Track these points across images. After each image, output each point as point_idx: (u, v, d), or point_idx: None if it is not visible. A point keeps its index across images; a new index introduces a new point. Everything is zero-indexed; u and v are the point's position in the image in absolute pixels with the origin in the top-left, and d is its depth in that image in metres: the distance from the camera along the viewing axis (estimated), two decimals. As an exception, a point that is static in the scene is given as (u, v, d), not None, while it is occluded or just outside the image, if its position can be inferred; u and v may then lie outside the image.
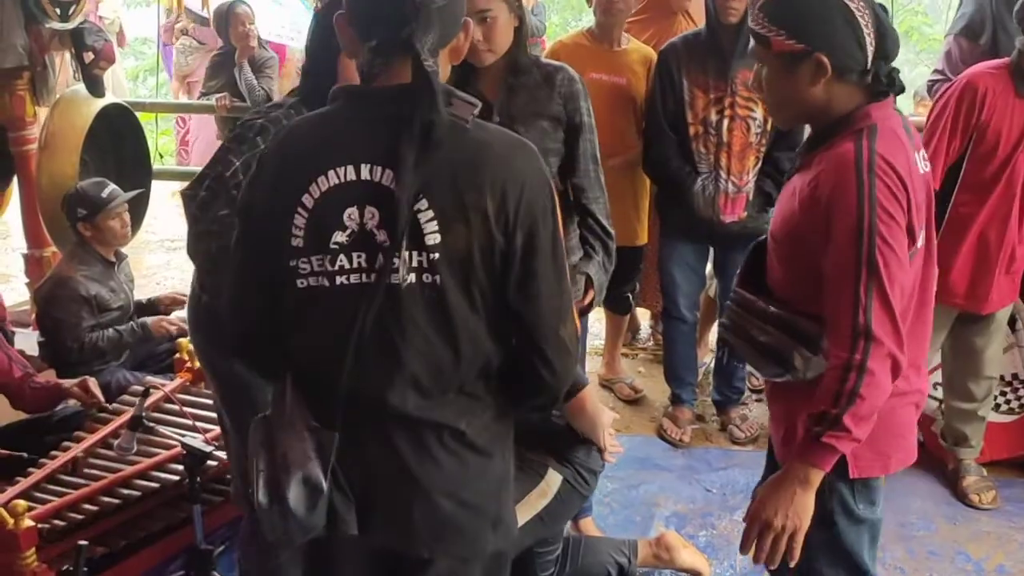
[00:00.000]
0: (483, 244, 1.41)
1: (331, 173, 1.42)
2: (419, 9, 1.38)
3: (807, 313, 1.75)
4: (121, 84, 7.50)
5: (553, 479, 2.21)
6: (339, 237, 1.43)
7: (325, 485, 1.46)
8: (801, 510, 1.70)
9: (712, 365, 3.87)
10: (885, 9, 1.76)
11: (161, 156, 5.01)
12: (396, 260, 1.40)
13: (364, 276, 1.43)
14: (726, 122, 3.18)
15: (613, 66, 3.37)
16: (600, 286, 2.50)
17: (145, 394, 2.63)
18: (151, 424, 2.50)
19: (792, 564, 1.74)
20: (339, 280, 1.44)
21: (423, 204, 1.40)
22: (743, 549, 1.77)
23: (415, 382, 1.47)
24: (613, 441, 2.27)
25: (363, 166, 1.42)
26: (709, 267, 3.73)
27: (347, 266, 1.43)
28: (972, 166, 2.87)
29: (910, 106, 5.64)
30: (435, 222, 1.40)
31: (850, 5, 1.68)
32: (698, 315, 3.65)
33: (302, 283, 1.46)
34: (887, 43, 1.71)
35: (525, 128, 2.42)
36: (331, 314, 1.45)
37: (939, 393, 3.39)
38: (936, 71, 3.62)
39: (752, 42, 1.78)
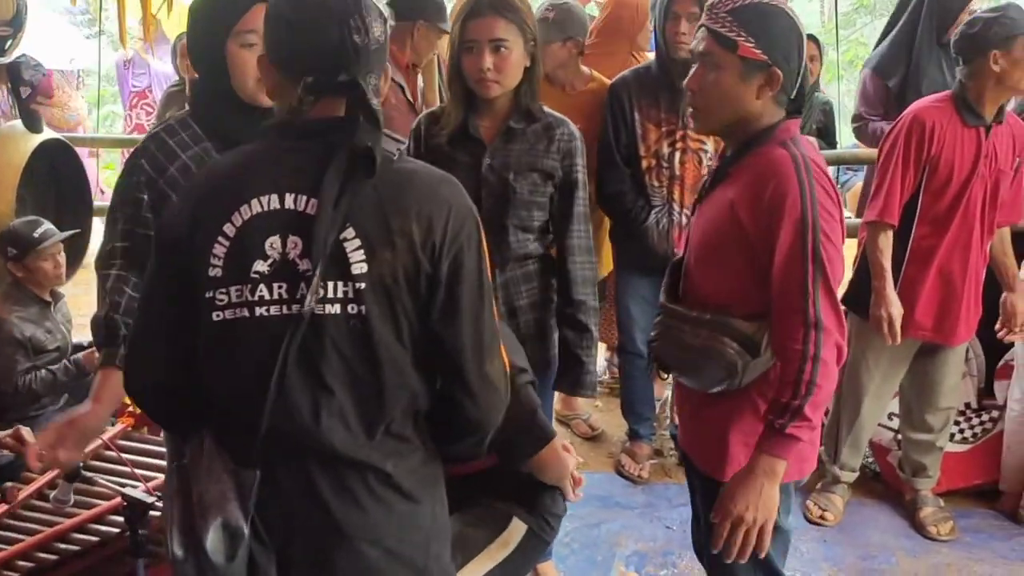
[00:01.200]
0: (409, 271, 1.41)
1: (254, 202, 1.40)
2: (359, 52, 1.40)
3: (742, 314, 1.84)
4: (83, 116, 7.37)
5: (517, 529, 2.15)
6: (260, 267, 1.40)
7: (246, 529, 1.40)
8: (769, 502, 1.80)
9: (669, 398, 3.86)
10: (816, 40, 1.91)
11: (103, 192, 4.91)
12: (321, 290, 1.38)
13: (285, 307, 1.40)
14: (678, 155, 3.20)
15: (567, 111, 3.31)
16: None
17: None
18: (89, 474, 2.41)
19: (761, 555, 1.84)
20: (259, 311, 1.40)
21: (349, 233, 1.39)
22: (714, 546, 1.84)
23: (341, 417, 1.43)
24: (578, 484, 2.23)
25: (287, 195, 1.40)
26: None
27: (267, 297, 1.40)
28: (928, 199, 2.91)
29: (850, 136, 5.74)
30: (361, 251, 1.40)
31: (802, 35, 1.86)
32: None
33: (218, 315, 1.41)
34: (805, 75, 1.89)
35: (516, 177, 2.41)
36: (251, 347, 1.41)
37: (894, 423, 3.42)
38: (855, 116, 3.68)
39: (704, 42, 1.85)
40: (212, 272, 1.41)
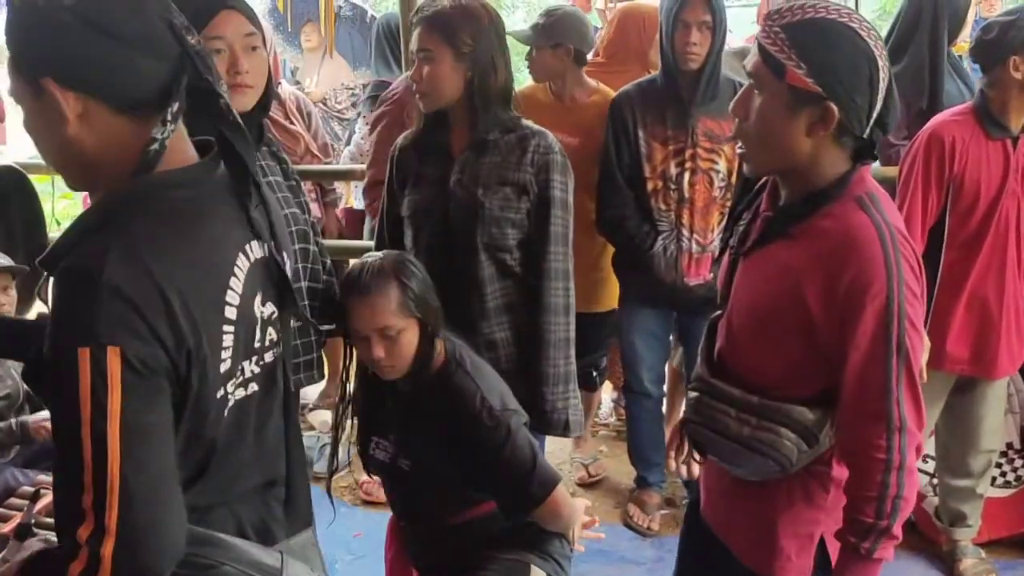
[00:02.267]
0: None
1: (236, 270, 1.33)
2: (204, 57, 1.29)
3: (795, 396, 1.71)
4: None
5: None
6: (257, 333, 1.39)
7: None
8: None
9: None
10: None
11: (59, 222, 4.90)
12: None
13: (261, 359, 1.41)
14: (687, 176, 3.18)
15: (565, 123, 3.36)
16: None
17: (35, 497, 2.49)
18: (42, 532, 2.37)
19: None
20: (257, 377, 1.41)
21: (284, 257, 1.44)
22: None
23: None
24: (589, 530, 2.27)
25: (247, 246, 1.37)
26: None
27: (259, 360, 1.41)
28: (955, 221, 2.89)
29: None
30: (291, 271, 1.47)
31: (879, 62, 1.62)
32: (664, 389, 3.62)
33: (227, 409, 1.34)
34: (891, 114, 1.66)
35: (486, 192, 2.42)
36: (251, 416, 1.41)
37: (929, 467, 3.38)
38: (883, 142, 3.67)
39: (754, 60, 1.67)
40: (224, 367, 1.30)
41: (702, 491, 2.04)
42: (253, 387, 1.39)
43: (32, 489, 2.62)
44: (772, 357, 1.74)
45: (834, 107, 1.60)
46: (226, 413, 1.33)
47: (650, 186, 3.22)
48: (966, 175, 2.85)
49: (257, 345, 1.38)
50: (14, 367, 3.41)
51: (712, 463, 1.95)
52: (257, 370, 1.39)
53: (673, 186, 3.20)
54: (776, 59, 1.61)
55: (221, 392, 1.31)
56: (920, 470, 3.35)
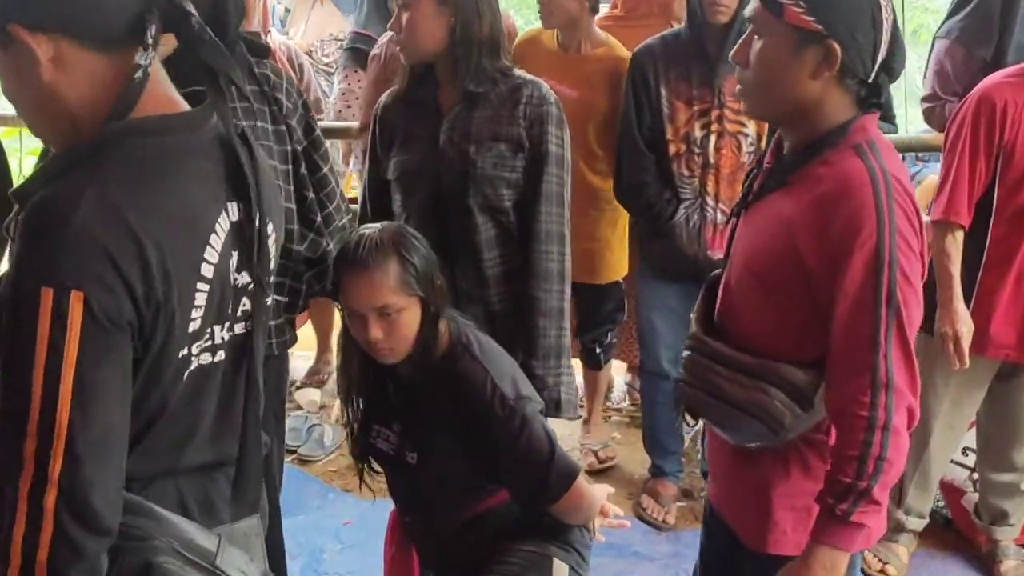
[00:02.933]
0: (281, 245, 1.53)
1: (217, 227, 1.31)
2: None
3: (791, 360, 1.73)
4: None
5: (559, 571, 2.15)
6: (232, 297, 1.37)
7: None
8: None
9: (701, 428, 3.76)
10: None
11: (24, 177, 4.82)
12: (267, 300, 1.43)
13: (229, 331, 1.39)
14: (713, 139, 3.10)
15: (567, 75, 3.31)
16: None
17: None
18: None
19: None
20: (220, 350, 1.38)
21: (269, 228, 1.43)
22: None
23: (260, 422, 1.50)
24: (614, 516, 2.23)
25: (229, 206, 1.34)
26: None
27: (229, 325, 1.39)
28: (1004, 193, 2.83)
29: (919, 118, 5.64)
30: (275, 243, 1.46)
31: (881, 2, 1.68)
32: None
33: (188, 372, 1.33)
34: (896, 58, 1.72)
35: (478, 150, 2.38)
36: (212, 389, 1.39)
37: (969, 460, 3.33)
38: (927, 96, 3.58)
39: (753, 4, 1.73)
40: (192, 327, 1.29)
41: (711, 473, 2.08)
42: (220, 355, 1.37)
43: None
44: (768, 316, 1.77)
45: (836, 45, 1.65)
46: (185, 376, 1.32)
47: (672, 149, 3.14)
48: (1017, 142, 2.78)
49: (230, 311, 1.36)
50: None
51: (715, 442, 1.98)
52: (227, 336, 1.37)
53: (698, 150, 3.12)
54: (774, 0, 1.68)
55: (184, 352, 1.30)
56: (958, 463, 3.34)
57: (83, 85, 1.24)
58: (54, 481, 1.15)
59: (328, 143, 2.55)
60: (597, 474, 3.79)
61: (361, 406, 2.27)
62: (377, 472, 2.33)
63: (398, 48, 2.43)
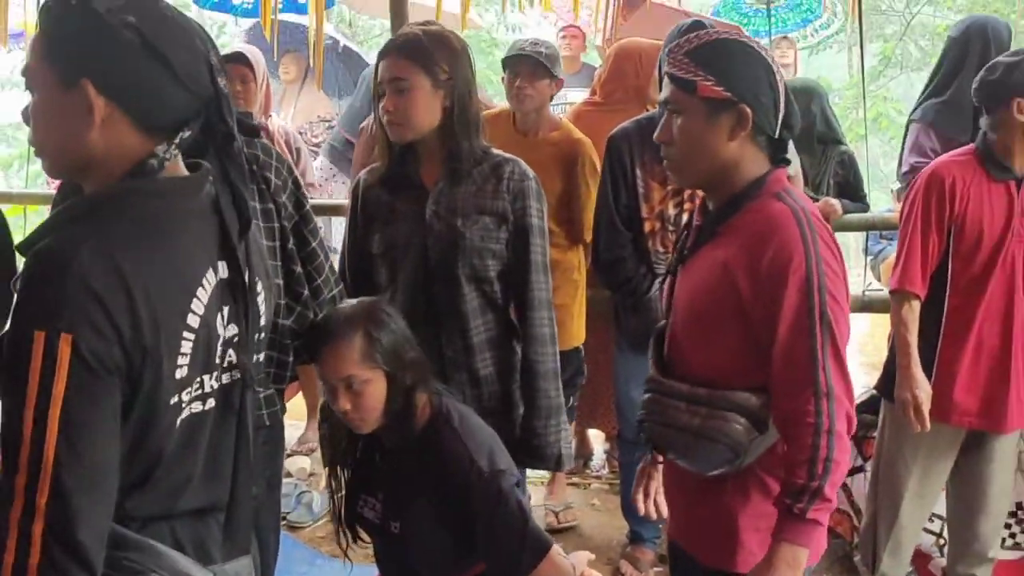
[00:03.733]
0: (274, 307, 1.60)
1: (204, 281, 1.37)
2: (225, 98, 1.38)
3: (741, 388, 1.86)
4: None
5: None
6: (218, 349, 1.41)
7: None
8: None
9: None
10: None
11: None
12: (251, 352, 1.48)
13: (221, 379, 1.44)
14: (686, 217, 3.14)
15: (524, 157, 3.37)
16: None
17: None
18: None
19: None
20: (209, 399, 1.42)
21: (258, 287, 1.50)
22: None
23: (251, 468, 1.54)
24: None
25: (218, 264, 1.41)
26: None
27: (218, 377, 1.43)
28: (958, 265, 2.87)
29: (888, 200, 5.76)
30: (263, 301, 1.52)
31: (772, 68, 1.90)
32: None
33: (180, 419, 1.37)
34: (792, 116, 1.91)
35: (465, 223, 2.41)
36: (205, 433, 1.43)
37: (936, 526, 3.33)
38: (906, 172, 3.66)
39: (666, 89, 1.91)
40: (179, 374, 1.34)
41: (668, 513, 2.18)
42: (211, 403, 1.42)
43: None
44: (715, 350, 1.91)
45: (746, 108, 1.84)
46: (178, 423, 1.36)
47: (647, 227, 3.21)
48: (968, 216, 2.83)
49: (217, 361, 1.41)
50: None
51: (674, 482, 2.10)
52: (216, 386, 1.42)
53: (671, 227, 3.18)
54: (685, 79, 1.87)
55: (175, 399, 1.34)
56: (927, 530, 3.34)
57: (111, 149, 1.33)
58: (41, 512, 1.20)
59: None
60: (557, 534, 3.77)
61: (348, 475, 2.29)
62: (364, 539, 2.34)
63: (389, 127, 2.44)
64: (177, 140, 1.35)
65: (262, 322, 1.52)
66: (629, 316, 3.35)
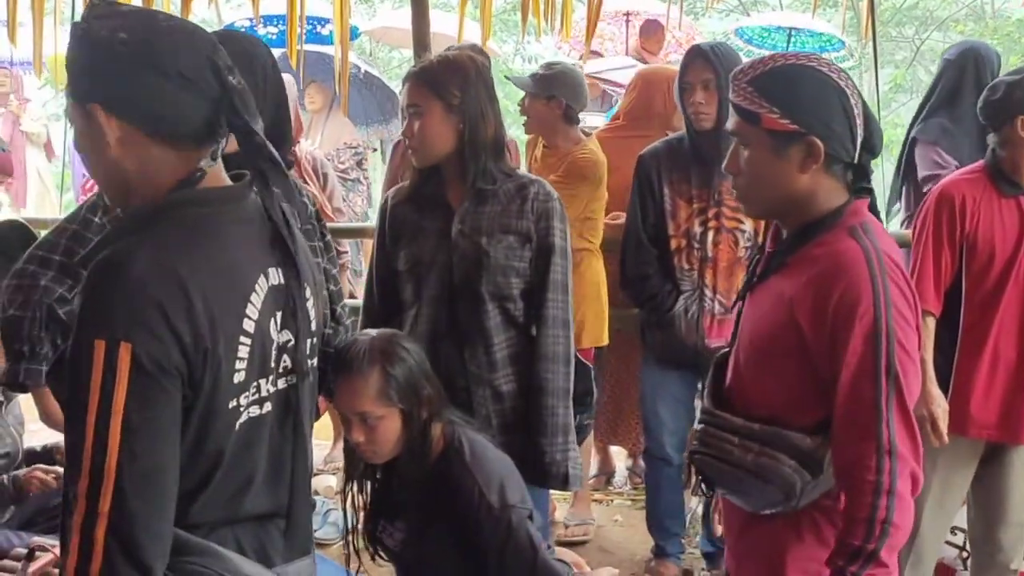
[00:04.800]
0: (324, 314, 1.60)
1: (257, 287, 1.39)
2: (244, 95, 1.38)
3: (797, 427, 1.76)
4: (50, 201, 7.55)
5: None
6: (273, 353, 1.42)
7: None
8: None
9: (699, 510, 3.75)
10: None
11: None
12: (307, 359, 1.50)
13: (275, 384, 1.44)
14: (711, 235, 3.18)
15: (546, 169, 3.48)
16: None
17: (30, 557, 2.48)
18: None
19: None
20: (267, 403, 1.44)
21: (308, 292, 1.50)
22: None
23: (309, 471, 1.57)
24: None
25: (270, 271, 1.43)
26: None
27: (274, 381, 1.44)
28: (972, 282, 2.87)
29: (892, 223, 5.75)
30: (313, 307, 1.52)
31: (847, 91, 1.76)
32: (684, 456, 3.55)
33: (240, 423, 1.39)
34: (874, 137, 1.79)
35: (490, 241, 2.44)
36: (263, 438, 1.44)
37: (958, 539, 3.30)
38: (926, 177, 3.66)
39: (732, 119, 1.81)
40: (237, 378, 1.35)
41: (726, 540, 2.09)
42: (268, 407, 1.43)
43: (25, 549, 2.57)
44: (773, 387, 1.81)
45: (816, 140, 1.72)
46: (237, 427, 1.37)
47: (673, 244, 3.23)
48: (979, 233, 2.82)
49: (272, 365, 1.42)
50: (14, 427, 3.37)
51: (729, 508, 1.99)
52: (272, 390, 1.43)
53: (697, 245, 3.20)
54: (749, 111, 1.75)
55: (233, 403, 1.35)
56: (949, 543, 3.31)
57: (138, 165, 1.35)
58: (104, 515, 1.22)
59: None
60: (578, 548, 3.71)
61: (368, 500, 2.30)
62: (383, 558, 2.35)
63: (410, 152, 2.50)
64: (219, 150, 1.37)
65: (313, 327, 1.53)
66: (655, 332, 3.35)
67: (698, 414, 1.99)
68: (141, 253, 1.28)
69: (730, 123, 1.83)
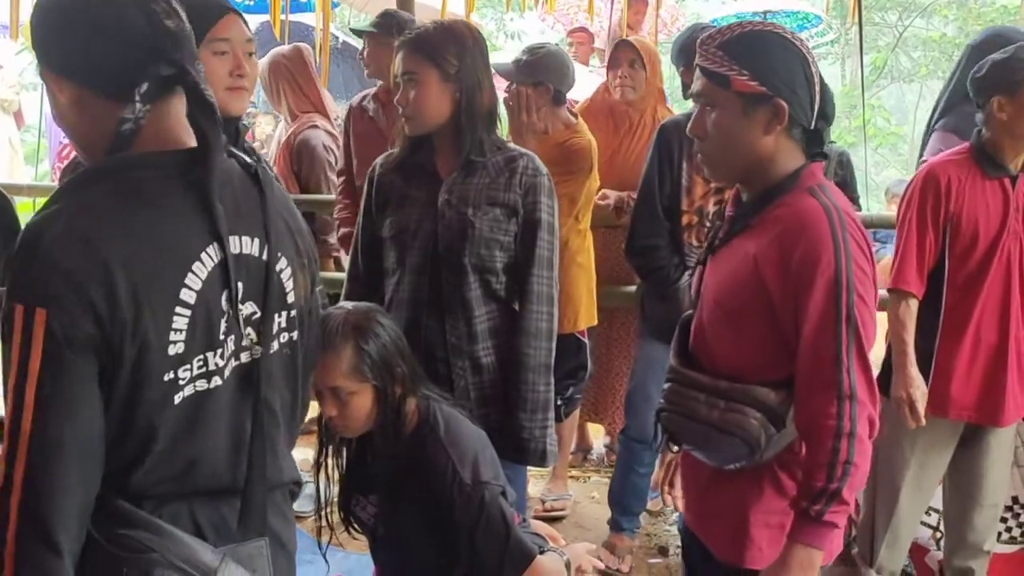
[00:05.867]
0: (309, 287, 1.54)
1: (204, 256, 1.34)
2: (178, 39, 1.35)
3: (761, 383, 1.83)
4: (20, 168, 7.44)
5: None
6: (222, 327, 1.37)
7: None
8: None
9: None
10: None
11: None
12: (274, 330, 1.45)
13: (236, 359, 1.40)
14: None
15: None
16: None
17: None
18: None
19: None
20: (215, 377, 1.38)
21: (283, 263, 1.46)
22: None
23: (275, 449, 1.50)
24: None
25: (233, 239, 1.38)
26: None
27: (225, 355, 1.39)
28: (954, 262, 2.86)
29: (882, 204, 5.75)
30: (291, 279, 1.48)
31: (808, 58, 1.84)
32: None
33: (180, 397, 1.34)
34: (828, 105, 1.87)
35: (475, 212, 2.41)
36: (217, 413, 1.40)
37: (932, 519, 3.32)
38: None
39: (698, 82, 1.85)
40: (173, 350, 1.31)
41: (684, 499, 2.15)
42: (217, 381, 1.38)
43: None
44: (739, 344, 1.88)
45: (782, 102, 1.79)
46: (177, 400, 1.33)
47: (685, 220, 3.21)
48: (963, 214, 2.81)
49: (223, 338, 1.37)
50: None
51: (689, 468, 2.06)
52: (222, 364, 1.38)
53: (708, 223, 3.17)
54: (719, 73, 1.81)
55: (169, 375, 1.31)
56: (924, 524, 3.32)
57: (92, 125, 1.34)
58: (17, 484, 1.21)
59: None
60: (555, 523, 3.69)
61: (342, 472, 2.28)
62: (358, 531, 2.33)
63: (404, 121, 2.45)
64: (137, 96, 1.31)
65: (289, 300, 1.48)
66: (656, 305, 3.32)
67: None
68: (61, 220, 1.25)
69: (696, 87, 1.87)
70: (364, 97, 3.96)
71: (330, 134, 4.14)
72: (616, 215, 3.77)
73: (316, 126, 4.10)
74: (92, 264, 1.23)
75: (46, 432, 1.22)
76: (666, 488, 2.20)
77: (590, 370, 3.65)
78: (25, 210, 5.13)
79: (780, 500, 1.87)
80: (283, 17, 4.84)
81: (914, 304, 2.86)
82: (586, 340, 3.54)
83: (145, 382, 1.29)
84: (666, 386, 1.99)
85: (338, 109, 6.17)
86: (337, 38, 6.76)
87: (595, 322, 3.62)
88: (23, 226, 1.30)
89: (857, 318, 1.73)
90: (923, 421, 2.84)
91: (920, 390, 2.84)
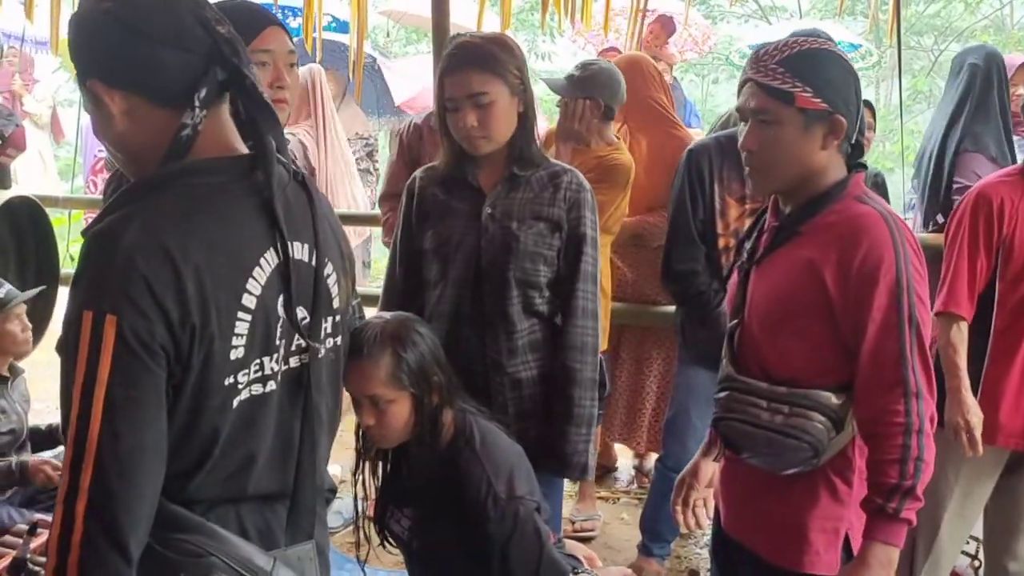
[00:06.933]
0: (350, 292, 1.56)
1: (263, 261, 1.36)
2: (233, 43, 1.35)
3: (820, 386, 1.86)
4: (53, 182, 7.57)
5: None
6: (278, 331, 1.38)
7: None
8: None
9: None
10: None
11: (73, 259, 4.90)
12: (323, 335, 1.46)
13: (286, 363, 1.41)
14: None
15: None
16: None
17: (32, 532, 2.46)
18: (36, 568, 2.30)
19: None
20: (278, 378, 1.40)
21: (329, 268, 1.47)
22: None
23: (321, 454, 1.50)
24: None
25: (293, 244, 1.39)
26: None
27: (279, 359, 1.40)
28: (1006, 287, 2.82)
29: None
30: (336, 284, 1.49)
31: (856, 74, 1.91)
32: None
33: (238, 400, 1.35)
34: (862, 120, 1.93)
35: (520, 227, 2.40)
36: (268, 418, 1.40)
37: (970, 547, 3.28)
38: (962, 186, 3.59)
39: (755, 98, 1.87)
40: (234, 355, 1.32)
41: (721, 507, 2.15)
42: (272, 386, 1.39)
43: (27, 526, 2.56)
44: (796, 349, 1.90)
45: (841, 118, 1.85)
46: (235, 404, 1.34)
47: (722, 243, 3.15)
48: (1016, 236, 2.78)
49: (278, 343, 1.38)
50: (19, 403, 3.35)
51: (732, 477, 2.09)
52: (276, 368, 1.39)
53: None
54: (782, 90, 1.85)
55: (230, 380, 1.32)
56: (963, 552, 3.26)
57: (146, 134, 1.34)
58: (84, 490, 1.21)
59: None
60: (579, 542, 3.70)
61: (377, 485, 2.27)
62: (392, 545, 2.32)
63: (471, 141, 2.39)
64: (197, 101, 1.31)
65: (335, 305, 1.50)
66: (697, 330, 3.27)
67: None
68: (133, 225, 1.25)
69: (752, 102, 1.88)
70: (431, 115, 3.97)
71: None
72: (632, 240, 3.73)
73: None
74: (168, 270, 1.23)
75: (121, 439, 1.22)
76: (678, 508, 2.18)
77: (608, 389, 3.62)
78: (59, 224, 5.20)
79: (834, 505, 1.91)
80: (315, 35, 4.87)
81: (965, 328, 2.81)
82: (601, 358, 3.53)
83: (210, 388, 1.30)
84: (722, 395, 2.01)
85: (370, 127, 6.25)
86: (373, 58, 6.83)
87: (605, 346, 3.55)
88: (85, 235, 1.31)
89: (918, 318, 1.79)
90: (980, 450, 2.78)
91: (977, 416, 2.78)
